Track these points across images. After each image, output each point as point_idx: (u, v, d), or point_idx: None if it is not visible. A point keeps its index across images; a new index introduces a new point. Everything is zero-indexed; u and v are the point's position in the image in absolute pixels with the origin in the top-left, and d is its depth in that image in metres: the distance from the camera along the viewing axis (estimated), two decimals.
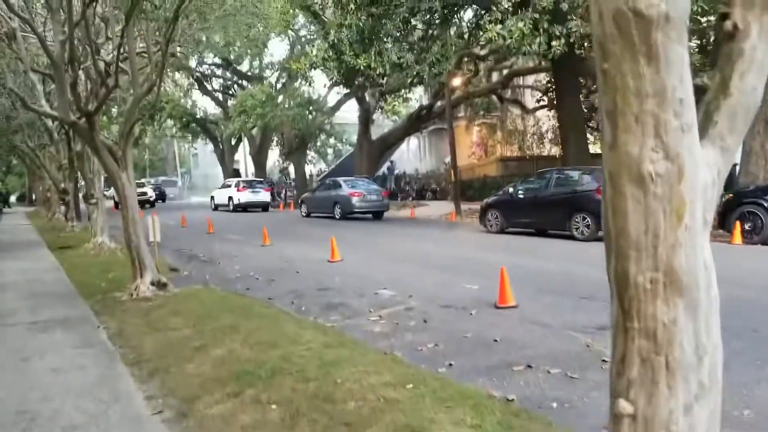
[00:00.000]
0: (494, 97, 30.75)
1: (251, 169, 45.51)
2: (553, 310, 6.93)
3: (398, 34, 14.52)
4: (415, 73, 14.67)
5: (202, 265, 12.47)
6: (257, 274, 10.75)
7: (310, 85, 22.38)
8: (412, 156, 42.41)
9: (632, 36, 1.87)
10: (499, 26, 12.63)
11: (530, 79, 32.23)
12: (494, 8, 12.74)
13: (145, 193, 32.57)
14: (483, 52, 23.21)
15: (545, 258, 11.28)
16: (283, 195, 36.59)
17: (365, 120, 29.42)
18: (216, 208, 30.60)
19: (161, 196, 40.16)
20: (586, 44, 13.38)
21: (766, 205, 11.63)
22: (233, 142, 42.60)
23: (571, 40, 12.71)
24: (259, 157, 40.71)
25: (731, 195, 12.52)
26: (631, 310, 1.99)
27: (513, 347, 5.45)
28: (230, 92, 41.09)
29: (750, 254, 11.03)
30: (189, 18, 10.11)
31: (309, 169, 41.08)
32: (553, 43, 12.86)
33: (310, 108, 31.31)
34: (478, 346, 5.59)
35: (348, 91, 36.14)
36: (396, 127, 32.32)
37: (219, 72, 40.34)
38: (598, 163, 23.05)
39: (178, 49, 9.48)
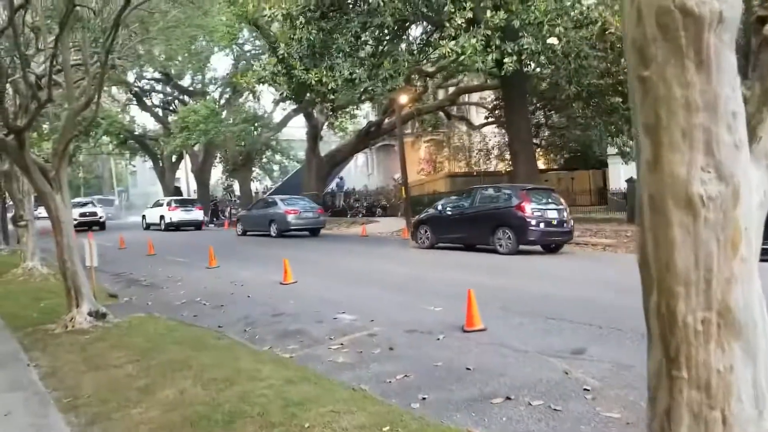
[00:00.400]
0: (442, 114, 30.95)
1: (193, 186, 44.17)
2: (523, 332, 6.72)
3: (349, 49, 14.24)
4: (366, 88, 14.43)
5: (144, 291, 11.72)
6: (205, 300, 10.13)
7: (258, 100, 21.85)
8: (360, 172, 42.19)
9: (679, 38, 1.63)
10: (453, 42, 12.57)
11: (475, 96, 32.65)
12: (447, 24, 12.67)
13: (94, 213, 30.86)
14: (432, 69, 23.28)
15: (498, 274, 11.15)
16: (227, 213, 35.54)
17: (314, 136, 29.01)
18: (147, 227, 30.22)
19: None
20: (538, 60, 13.46)
21: None
22: (174, 159, 41.17)
23: (523, 57, 12.77)
24: (201, 174, 39.46)
25: None
26: (679, 356, 1.71)
27: (488, 376, 5.17)
28: (171, 108, 39.81)
29: None
30: (129, 28, 9.51)
31: (255, 186, 40.13)
32: (505, 60, 12.90)
33: (256, 124, 30.63)
34: (450, 375, 5.27)
35: (296, 106, 35.74)
36: (345, 143, 32.05)
37: (159, 87, 39.04)
38: (545, 179, 23.19)
39: (118, 61, 8.85)
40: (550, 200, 14.54)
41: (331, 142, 41.24)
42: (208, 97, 31.77)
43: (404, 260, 14.77)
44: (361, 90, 14.45)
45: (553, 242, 14.40)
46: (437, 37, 18.83)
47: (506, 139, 34.43)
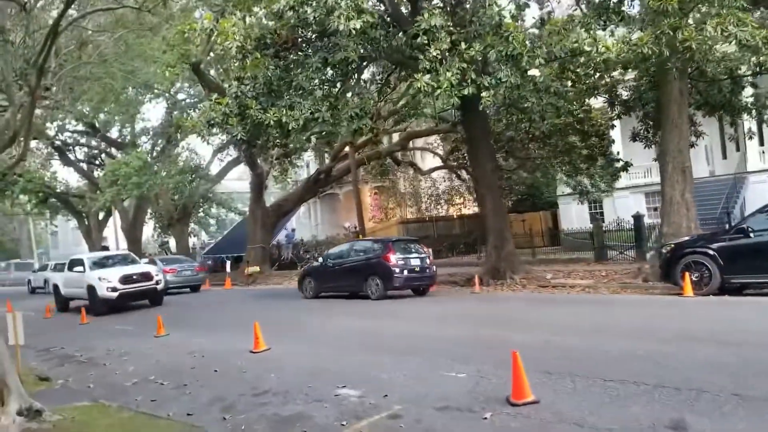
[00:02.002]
0: (390, 160, 30.16)
1: (123, 244, 41.11)
2: (587, 401, 5.44)
3: (310, 87, 13.05)
4: (328, 129, 13.21)
5: (82, 369, 9.68)
6: (161, 378, 8.30)
7: (208, 143, 20.01)
8: (300, 223, 40.57)
9: None
10: (428, 76, 11.62)
11: (420, 142, 32.15)
12: (422, 57, 11.74)
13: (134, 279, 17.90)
14: (384, 114, 22.44)
15: (467, 322, 9.93)
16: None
17: (258, 186, 27.34)
18: (33, 291, 31.44)
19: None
20: (517, 94, 12.70)
21: (711, 253, 11.25)
22: (101, 217, 38.15)
23: (501, 91, 11.96)
24: (132, 231, 36.61)
25: (673, 245, 12.13)
26: None
27: None
28: (97, 162, 37.10)
29: (709, 307, 10.46)
30: (63, 52, 7.92)
31: (192, 241, 37.61)
32: (483, 94, 12.05)
33: (194, 175, 28.71)
34: None
35: (235, 156, 34.05)
36: (291, 192, 30.53)
37: (84, 140, 36.36)
38: (512, 220, 22.43)
39: (46, 91, 7.24)
40: (413, 250, 16.07)
41: (271, 193, 39.58)
42: (139, 149, 29.60)
43: (371, 314, 13.33)
44: (324, 130, 13.20)
45: (418, 286, 15.83)
46: (396, 76, 18.13)
47: (456, 184, 34.27)
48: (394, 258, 15.06)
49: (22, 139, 6.02)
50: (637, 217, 19.06)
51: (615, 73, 16.14)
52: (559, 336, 8.59)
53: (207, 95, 27.28)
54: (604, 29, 12.50)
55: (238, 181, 51.98)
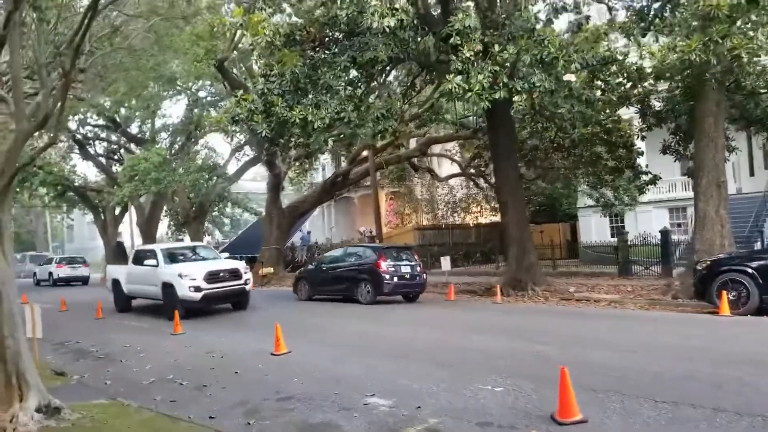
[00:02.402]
0: (407, 165, 29.88)
1: (138, 240, 41.12)
2: (639, 425, 5.08)
3: (337, 85, 12.80)
4: (354, 129, 12.94)
5: (98, 365, 9.45)
6: (180, 378, 8.04)
7: (232, 139, 19.81)
8: (317, 225, 40.37)
9: None
10: (459, 78, 11.32)
11: (437, 148, 31.80)
12: (454, 58, 11.45)
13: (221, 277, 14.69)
14: (406, 117, 22.14)
15: (490, 332, 9.55)
16: None
17: (275, 186, 27.08)
18: (38, 283, 33.30)
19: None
20: (551, 99, 12.39)
21: (749, 272, 10.82)
22: (117, 212, 38.17)
23: (535, 96, 11.64)
24: (148, 227, 36.58)
25: (709, 262, 11.69)
26: None
27: None
28: (116, 157, 37.14)
29: (750, 327, 10.02)
30: (92, 41, 7.72)
31: (207, 240, 37.47)
32: (515, 98, 11.77)
33: (212, 173, 28.55)
34: None
35: (252, 156, 33.91)
36: (309, 194, 30.27)
37: (104, 135, 36.44)
38: (530, 231, 22.06)
39: (81, 75, 7.01)
40: (404, 257, 16.39)
41: (285, 195, 39.37)
42: (159, 145, 29.54)
43: (388, 320, 13.01)
44: (349, 131, 12.93)
45: (408, 293, 16.18)
46: (422, 80, 17.87)
47: (473, 192, 33.88)
48: (385, 265, 15.50)
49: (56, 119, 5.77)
50: (665, 233, 18.59)
51: (647, 83, 15.72)
52: (594, 351, 8.21)
53: (229, 93, 27.25)
54: (644, 35, 12.13)
55: (252, 182, 51.98)
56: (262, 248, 27.39)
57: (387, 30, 10.76)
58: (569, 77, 11.67)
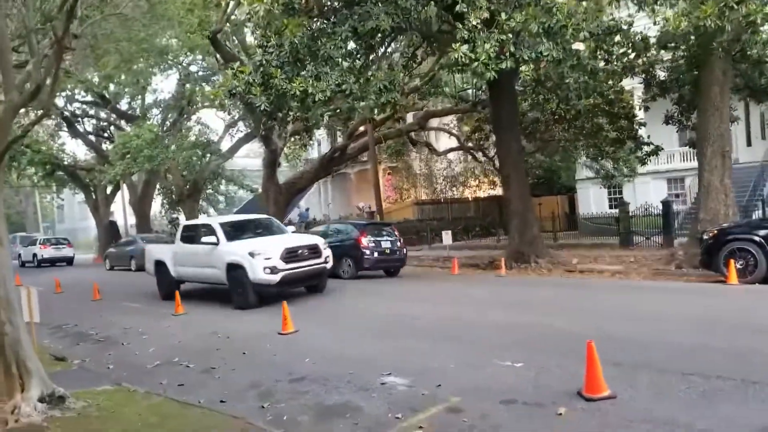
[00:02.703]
0: (407, 140, 29.48)
1: (132, 220, 40.67)
2: (671, 399, 4.90)
3: (338, 56, 12.38)
4: (356, 102, 12.56)
5: (99, 348, 9.21)
6: (186, 360, 7.82)
7: (229, 113, 19.23)
8: (312, 202, 39.99)
9: None
10: (465, 47, 10.94)
11: (435, 122, 31.40)
12: (461, 26, 11.05)
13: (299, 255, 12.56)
14: (406, 90, 21.70)
15: (497, 306, 9.38)
16: None
17: (272, 162, 26.61)
18: (23, 264, 32.68)
19: None
20: (557, 69, 12.05)
21: (757, 240, 10.65)
22: (109, 191, 37.61)
23: (542, 65, 11.29)
24: (141, 206, 36.16)
25: (715, 232, 11.52)
26: None
27: None
28: (106, 135, 36.43)
29: (757, 295, 9.89)
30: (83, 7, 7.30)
31: (202, 217, 37.01)
32: (522, 68, 11.38)
33: (206, 150, 28.04)
34: None
35: (246, 132, 33.34)
36: (306, 170, 29.85)
37: (92, 112, 35.67)
38: (536, 203, 21.88)
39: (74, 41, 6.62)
40: (385, 233, 16.70)
41: (279, 171, 38.83)
42: (150, 121, 28.93)
43: (390, 295, 12.84)
44: (350, 103, 12.53)
45: (389, 268, 16.54)
46: (423, 51, 17.42)
47: (471, 166, 33.58)
48: (366, 241, 15.84)
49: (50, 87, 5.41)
50: (666, 203, 18.42)
51: (651, 53, 15.37)
52: (611, 324, 8.02)
53: (222, 66, 26.60)
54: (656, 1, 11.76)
55: (246, 158, 51.29)
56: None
57: None
58: (577, 46, 11.30)
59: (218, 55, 22.22)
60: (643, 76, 15.96)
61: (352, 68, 13.06)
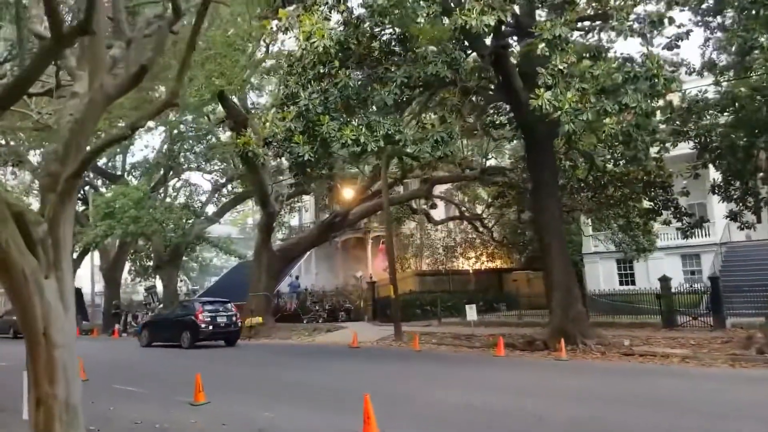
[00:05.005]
0: (408, 207, 28.12)
1: (99, 287, 37.66)
2: None
3: (393, 103, 10.97)
4: (412, 152, 11.08)
5: None
6: None
7: (263, 165, 17.24)
8: (303, 270, 37.73)
9: None
10: (549, 93, 9.67)
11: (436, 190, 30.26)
12: (543, 71, 9.82)
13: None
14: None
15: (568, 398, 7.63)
16: (122, 320, 28.72)
17: (267, 227, 24.70)
18: None
19: None
20: (645, 124, 10.87)
21: None
22: (76, 255, 34.71)
23: (629, 118, 10.06)
24: (112, 272, 33.25)
25: None
26: None
27: None
28: (79, 195, 34.00)
29: None
30: None
31: (181, 286, 34.16)
32: (606, 120, 10.15)
33: (198, 212, 26.03)
34: None
35: (234, 196, 31.52)
36: (302, 236, 27.97)
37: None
38: (513, 279, 20.56)
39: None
40: (221, 309, 19.66)
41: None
42: (131, 180, 26.88)
43: (464, 384, 10.86)
44: (413, 153, 11.05)
45: (226, 338, 19.56)
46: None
47: (472, 237, 32.27)
48: (202, 316, 18.74)
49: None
50: (714, 279, 17.16)
51: (709, 116, 14.53)
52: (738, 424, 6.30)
53: (216, 124, 25.05)
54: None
55: (223, 226, 48.91)
56: (249, 295, 24.78)
57: (485, 30, 9.04)
58: (671, 97, 10.20)
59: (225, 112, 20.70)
60: (697, 140, 15.02)
61: (402, 118, 11.67)
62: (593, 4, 12.44)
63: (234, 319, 19.49)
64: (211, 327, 18.64)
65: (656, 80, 9.94)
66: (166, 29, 3.72)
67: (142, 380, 12.12)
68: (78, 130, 3.51)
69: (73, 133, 3.54)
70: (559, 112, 9.79)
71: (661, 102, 10.58)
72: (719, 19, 14.42)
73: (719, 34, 14.49)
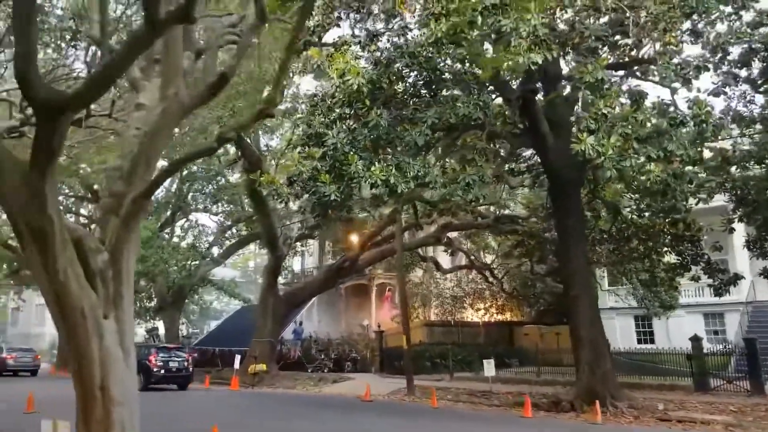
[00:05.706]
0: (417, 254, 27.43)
1: None
2: None
3: (422, 144, 10.49)
4: (444, 195, 10.55)
5: None
6: None
7: (285, 204, 16.71)
8: (305, 317, 36.70)
9: None
10: (592, 138, 9.18)
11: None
12: (587, 116, 9.39)
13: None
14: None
15: None
16: None
17: (274, 270, 23.97)
18: None
19: None
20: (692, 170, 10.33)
21: None
22: None
23: (674, 166, 9.53)
24: None
25: None
26: None
27: None
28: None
29: None
30: None
31: (182, 329, 33.21)
32: (649, 167, 9.62)
33: (204, 253, 25.37)
34: None
35: (241, 238, 30.91)
36: (310, 281, 27.19)
37: (73, 208, 32.84)
38: (525, 333, 19.80)
39: None
40: (174, 355, 20.60)
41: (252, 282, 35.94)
42: (148, 218, 26.30)
43: None
44: (443, 195, 10.53)
45: (176, 382, 20.35)
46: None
47: (481, 287, 31.39)
48: (155, 360, 19.75)
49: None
50: (751, 340, 16.29)
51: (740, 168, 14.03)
52: None
53: (243, 165, 24.63)
54: None
55: (226, 269, 48.09)
56: (253, 341, 23.83)
57: (531, 67, 8.62)
58: (720, 144, 9.71)
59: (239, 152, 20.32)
60: (733, 192, 14.44)
61: (429, 160, 11.18)
62: (627, 51, 12.16)
63: (185, 364, 20.52)
64: (163, 371, 19.71)
65: (704, 126, 9.47)
66: (249, 35, 3.26)
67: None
68: (148, 143, 3.00)
69: (143, 148, 3.02)
70: (603, 158, 9.27)
71: (707, 152, 10.08)
72: (745, 71, 14.21)
73: (745, 86, 14.31)
